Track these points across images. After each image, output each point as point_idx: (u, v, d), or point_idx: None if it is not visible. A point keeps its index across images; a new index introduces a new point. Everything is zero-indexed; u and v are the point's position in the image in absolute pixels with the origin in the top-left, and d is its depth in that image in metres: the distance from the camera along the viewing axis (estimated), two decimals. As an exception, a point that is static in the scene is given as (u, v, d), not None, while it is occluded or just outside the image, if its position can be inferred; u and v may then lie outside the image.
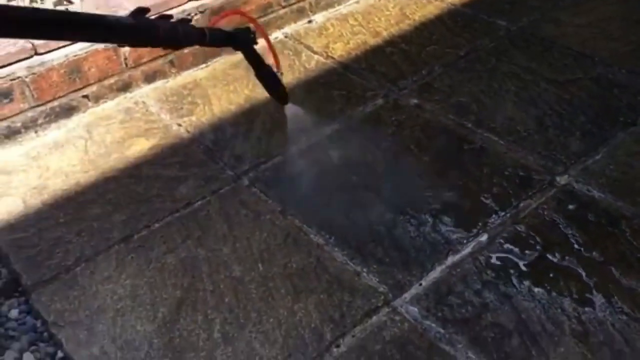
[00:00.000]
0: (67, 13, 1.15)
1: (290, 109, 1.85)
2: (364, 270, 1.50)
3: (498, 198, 1.67)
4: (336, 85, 2.15)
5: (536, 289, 1.42)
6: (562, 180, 1.71)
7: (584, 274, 1.45)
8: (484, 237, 1.56)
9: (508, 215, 1.62)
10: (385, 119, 1.99)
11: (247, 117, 2.03)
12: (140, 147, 1.93)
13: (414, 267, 1.50)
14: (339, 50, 2.32)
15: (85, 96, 2.06)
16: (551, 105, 1.98)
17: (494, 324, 1.36)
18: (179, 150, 1.92)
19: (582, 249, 1.51)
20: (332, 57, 2.29)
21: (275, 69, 1.71)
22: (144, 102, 2.12)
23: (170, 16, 1.37)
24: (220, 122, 2.02)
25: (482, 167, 1.77)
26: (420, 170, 1.78)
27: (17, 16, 1.04)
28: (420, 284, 1.46)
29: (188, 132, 1.98)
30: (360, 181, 1.75)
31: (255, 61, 1.69)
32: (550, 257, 1.49)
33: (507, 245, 1.53)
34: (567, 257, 1.49)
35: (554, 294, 1.41)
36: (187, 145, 1.94)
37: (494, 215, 1.62)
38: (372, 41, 2.36)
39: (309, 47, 2.35)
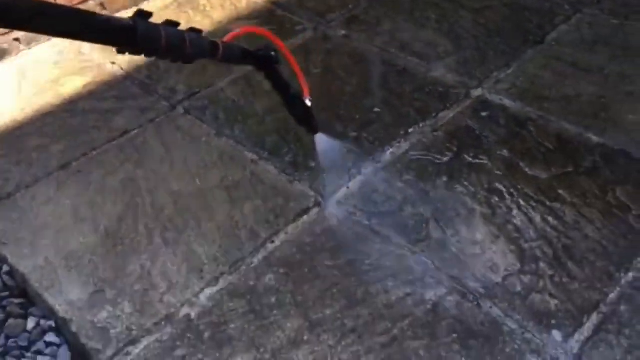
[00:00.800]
0: (45, 3, 0.96)
1: (320, 138, 1.61)
2: (297, 179, 1.61)
3: (419, 111, 1.79)
4: (267, 21, 2.22)
5: (452, 183, 1.56)
6: (476, 92, 1.84)
7: (494, 168, 1.59)
8: (405, 144, 1.68)
9: (428, 124, 1.74)
10: (315, 48, 2.08)
11: (180, 53, 2.08)
12: (75, 84, 1.96)
13: (341, 173, 1.61)
14: (269, -10, 2.39)
15: (17, 39, 2.07)
16: (468, 29, 2.12)
17: (415, 214, 1.49)
18: (114, 86, 1.96)
19: (493, 147, 1.65)
20: (262, -4, 2.35)
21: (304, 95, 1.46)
22: (76, 44, 2.13)
23: (177, 23, 1.15)
24: (154, 60, 2.06)
25: (404, 86, 1.89)
26: (347, 90, 1.89)
27: None
28: (348, 187, 1.57)
29: (122, 69, 2.02)
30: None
31: (279, 85, 1.45)
32: (465, 156, 1.63)
33: (426, 149, 1.66)
34: (480, 156, 1.63)
35: (467, 185, 1.55)
36: (121, 81, 1.98)
37: (415, 125, 1.74)
38: (301, -20, 2.44)
39: (239, -12, 2.40)
